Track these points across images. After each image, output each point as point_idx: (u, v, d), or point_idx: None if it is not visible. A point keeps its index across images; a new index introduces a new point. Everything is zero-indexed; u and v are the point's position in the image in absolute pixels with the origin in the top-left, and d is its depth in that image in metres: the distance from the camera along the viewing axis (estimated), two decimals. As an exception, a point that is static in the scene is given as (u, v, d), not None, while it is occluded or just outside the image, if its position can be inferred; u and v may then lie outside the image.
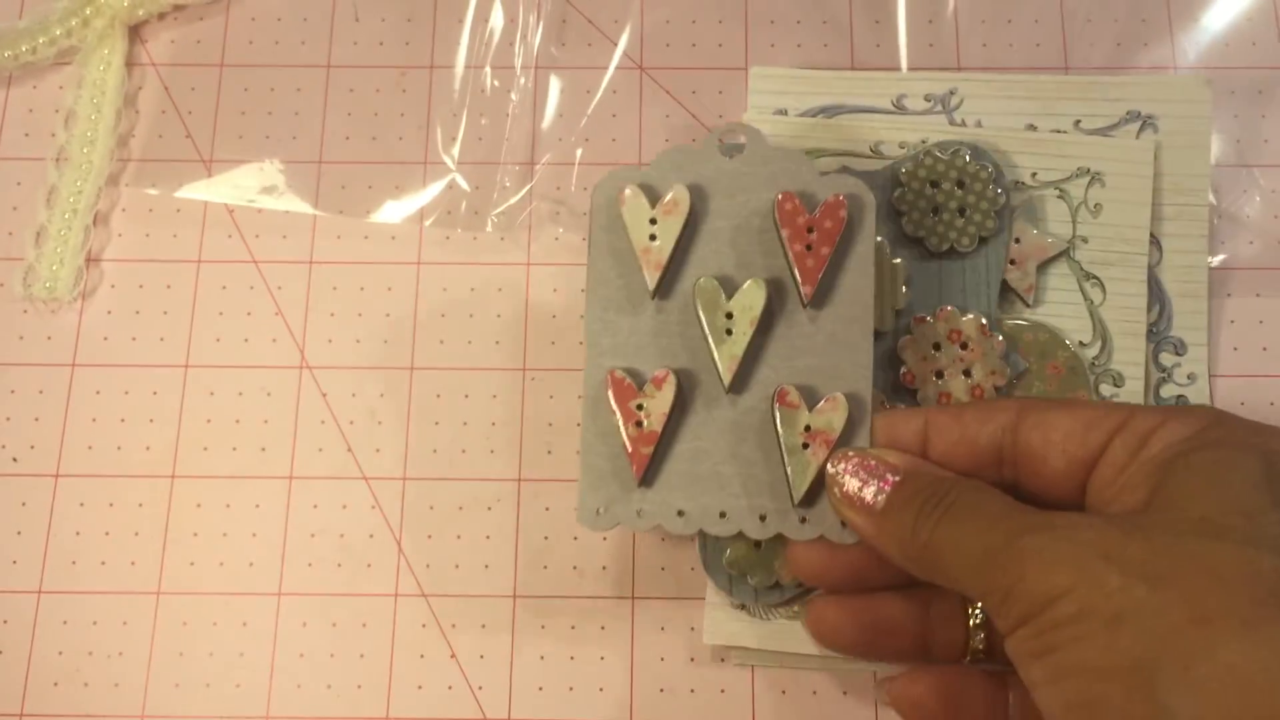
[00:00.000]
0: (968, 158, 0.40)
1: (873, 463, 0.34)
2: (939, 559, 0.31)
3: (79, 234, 0.42)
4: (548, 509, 0.40)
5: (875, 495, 0.33)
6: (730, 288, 0.36)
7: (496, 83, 0.44)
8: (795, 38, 0.45)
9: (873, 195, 0.37)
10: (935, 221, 0.39)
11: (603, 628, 0.39)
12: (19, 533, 0.40)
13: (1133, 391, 0.39)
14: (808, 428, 0.35)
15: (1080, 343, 0.39)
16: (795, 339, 0.37)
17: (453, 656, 0.39)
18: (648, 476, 0.36)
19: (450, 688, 0.38)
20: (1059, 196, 0.40)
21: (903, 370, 0.39)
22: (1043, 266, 0.40)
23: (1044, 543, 0.29)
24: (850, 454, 0.34)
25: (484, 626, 0.39)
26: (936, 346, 0.39)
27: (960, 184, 0.39)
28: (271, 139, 0.44)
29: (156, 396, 0.41)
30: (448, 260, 0.42)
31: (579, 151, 0.43)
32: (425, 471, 0.40)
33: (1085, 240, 0.40)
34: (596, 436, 0.36)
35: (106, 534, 0.40)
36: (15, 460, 0.41)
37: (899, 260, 0.39)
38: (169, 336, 0.42)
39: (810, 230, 0.36)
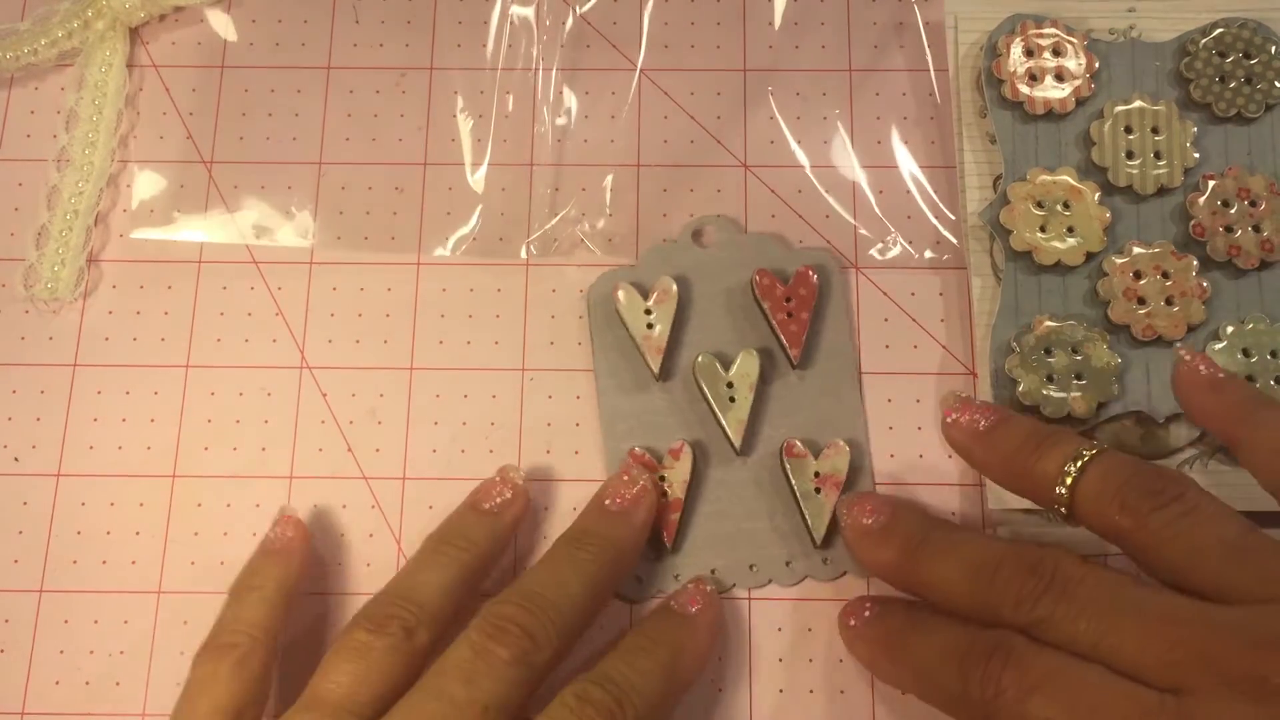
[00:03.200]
0: (1255, 32, 0.41)
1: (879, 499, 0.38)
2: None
3: (80, 234, 0.43)
4: (547, 509, 0.40)
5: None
6: (725, 360, 0.39)
7: (497, 86, 0.44)
8: (792, 39, 0.45)
9: (836, 261, 0.41)
10: (1222, 89, 0.41)
11: (601, 627, 0.39)
12: (20, 532, 0.40)
13: None
14: (817, 474, 0.38)
15: None
16: (789, 398, 0.40)
17: (452, 655, 0.39)
18: (678, 542, 0.39)
19: (450, 686, 0.38)
20: None
21: (1192, 223, 0.40)
22: None
23: None
24: (856, 496, 0.38)
25: (483, 625, 0.39)
26: (1225, 203, 0.40)
27: (1247, 55, 0.41)
28: (272, 140, 0.44)
29: (157, 396, 0.41)
30: (447, 261, 0.43)
31: (579, 153, 0.44)
32: (425, 471, 0.41)
33: None
34: None
35: (107, 533, 0.40)
36: (17, 460, 0.41)
37: (1187, 121, 0.41)
38: (170, 337, 0.42)
39: (788, 300, 0.40)
